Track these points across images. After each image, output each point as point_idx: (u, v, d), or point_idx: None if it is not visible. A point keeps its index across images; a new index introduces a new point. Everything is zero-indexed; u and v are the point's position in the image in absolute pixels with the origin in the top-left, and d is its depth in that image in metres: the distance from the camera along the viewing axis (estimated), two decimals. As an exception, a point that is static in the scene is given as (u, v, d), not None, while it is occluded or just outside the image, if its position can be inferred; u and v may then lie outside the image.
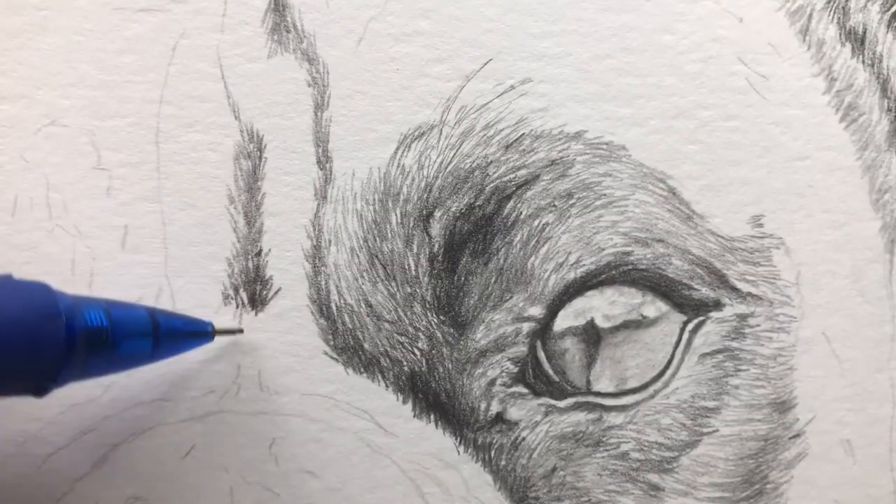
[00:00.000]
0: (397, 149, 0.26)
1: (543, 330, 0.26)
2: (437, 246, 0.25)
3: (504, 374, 0.26)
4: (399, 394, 0.25)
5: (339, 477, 0.25)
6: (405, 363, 0.25)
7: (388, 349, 0.25)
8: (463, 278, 0.25)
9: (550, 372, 0.26)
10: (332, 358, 0.25)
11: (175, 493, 0.25)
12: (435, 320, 0.25)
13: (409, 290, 0.25)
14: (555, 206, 0.26)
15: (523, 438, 0.26)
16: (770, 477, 0.26)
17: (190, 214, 0.25)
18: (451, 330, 0.25)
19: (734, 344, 0.26)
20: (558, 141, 0.26)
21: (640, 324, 0.26)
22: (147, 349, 0.22)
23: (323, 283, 0.25)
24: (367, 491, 0.25)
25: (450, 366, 0.25)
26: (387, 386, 0.25)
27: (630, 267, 0.26)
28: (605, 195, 0.26)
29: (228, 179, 0.25)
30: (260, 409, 0.25)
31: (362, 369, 0.25)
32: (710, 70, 0.26)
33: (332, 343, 0.25)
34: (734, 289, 0.26)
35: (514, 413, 0.26)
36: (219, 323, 0.24)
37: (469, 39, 0.26)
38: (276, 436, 0.25)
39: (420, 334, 0.25)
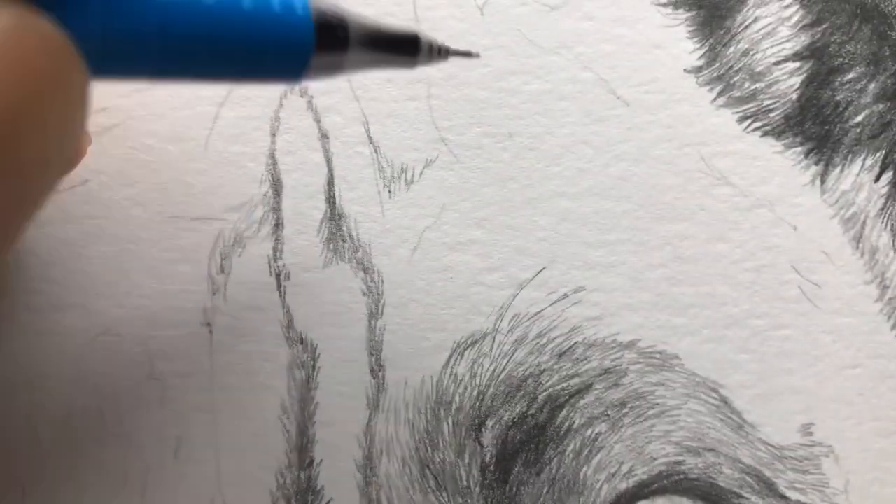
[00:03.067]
0: (450, 357, 0.26)
1: (594, 539, 0.26)
2: (489, 456, 0.25)
3: (555, 584, 0.26)
4: None
5: None
6: (456, 573, 0.25)
7: (439, 559, 0.25)
8: (515, 488, 0.25)
9: (601, 583, 0.26)
10: (383, 568, 0.25)
11: None
12: (486, 529, 0.25)
13: (460, 500, 0.25)
14: (608, 415, 0.26)
15: None
16: None
17: (243, 425, 0.25)
18: (502, 538, 0.26)
19: (784, 553, 0.26)
20: (611, 350, 0.26)
21: (690, 533, 0.26)
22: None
23: (374, 493, 0.25)
24: None
25: (500, 576, 0.25)
26: None
27: (682, 476, 0.26)
28: (657, 404, 0.26)
29: (282, 390, 0.25)
30: None
31: (413, 579, 0.25)
32: (764, 279, 0.26)
33: (383, 553, 0.25)
34: (783, 497, 0.26)
35: None
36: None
37: (523, 248, 0.26)
38: None
39: (471, 543, 0.25)
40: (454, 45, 0.21)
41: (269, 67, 0.18)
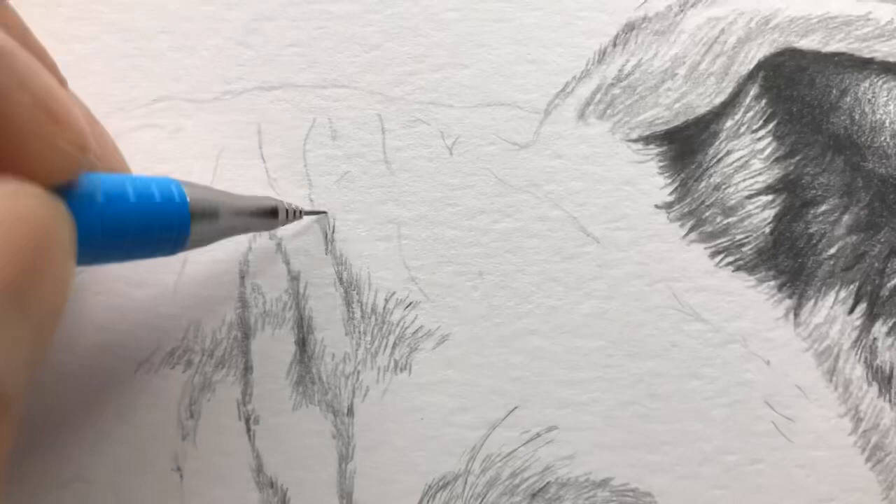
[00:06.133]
0: (421, 499, 0.26)
1: None
2: None
3: None
4: None
5: None
6: None
7: None
8: None
9: None
10: None
11: None
12: None
13: None
14: (580, 554, 0.26)
15: None
16: None
17: (214, 570, 0.25)
18: None
19: None
20: (584, 489, 0.26)
21: None
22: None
23: None
24: None
25: None
26: None
27: None
28: (630, 542, 0.26)
29: (253, 534, 0.25)
30: None
31: None
32: (737, 414, 0.26)
33: None
34: None
35: None
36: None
37: (495, 387, 0.26)
38: None
39: None
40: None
41: (154, 248, 0.21)
